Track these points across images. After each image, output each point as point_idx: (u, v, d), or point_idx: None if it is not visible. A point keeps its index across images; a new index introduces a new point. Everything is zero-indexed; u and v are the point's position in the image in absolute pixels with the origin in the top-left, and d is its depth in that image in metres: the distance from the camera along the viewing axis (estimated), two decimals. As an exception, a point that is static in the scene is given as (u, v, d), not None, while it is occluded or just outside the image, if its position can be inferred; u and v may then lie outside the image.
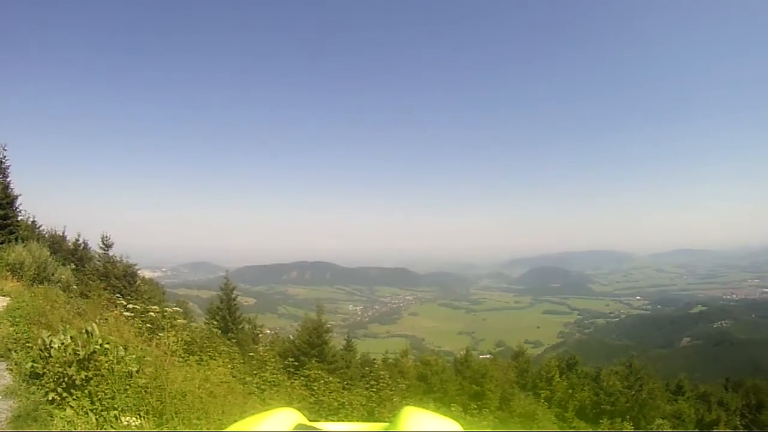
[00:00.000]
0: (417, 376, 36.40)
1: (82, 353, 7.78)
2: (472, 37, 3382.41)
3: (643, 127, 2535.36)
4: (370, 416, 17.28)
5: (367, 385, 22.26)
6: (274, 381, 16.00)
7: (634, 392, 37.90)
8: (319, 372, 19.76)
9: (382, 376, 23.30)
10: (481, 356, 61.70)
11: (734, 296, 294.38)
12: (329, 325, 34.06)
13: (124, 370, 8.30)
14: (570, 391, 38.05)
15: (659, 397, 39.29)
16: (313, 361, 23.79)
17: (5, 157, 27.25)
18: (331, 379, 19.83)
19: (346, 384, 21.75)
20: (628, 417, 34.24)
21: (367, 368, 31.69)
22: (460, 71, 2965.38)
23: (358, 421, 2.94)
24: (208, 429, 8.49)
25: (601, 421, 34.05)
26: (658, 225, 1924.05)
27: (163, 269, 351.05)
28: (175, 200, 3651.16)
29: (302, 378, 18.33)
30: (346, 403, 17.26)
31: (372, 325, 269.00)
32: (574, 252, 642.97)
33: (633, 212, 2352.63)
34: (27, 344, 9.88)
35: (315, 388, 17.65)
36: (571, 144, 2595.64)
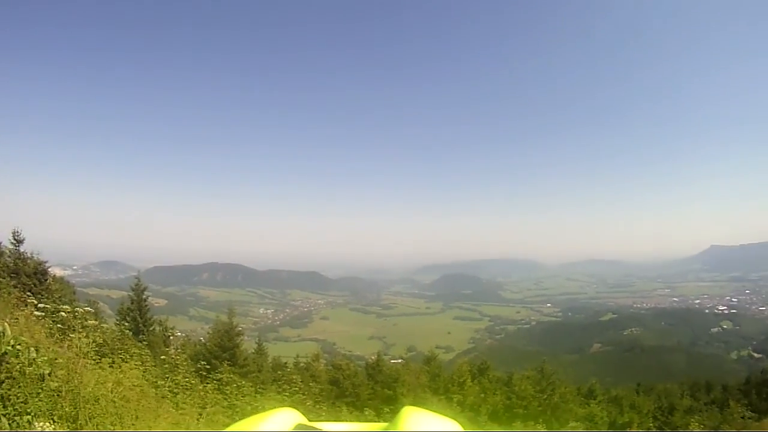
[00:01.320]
0: (329, 380, 36.23)
1: (-7, 355, 7.49)
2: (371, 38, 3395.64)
3: (557, 139, 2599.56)
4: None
5: (280, 389, 22.17)
6: (186, 385, 15.68)
7: (546, 396, 38.50)
8: (231, 376, 19.48)
9: (294, 381, 23.22)
10: (392, 361, 61.74)
11: (644, 305, 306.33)
12: (240, 328, 33.60)
13: (36, 372, 8.00)
14: (482, 395, 38.31)
15: (571, 401, 40.07)
16: (224, 365, 23.34)
17: None
18: (243, 383, 19.61)
19: (259, 388, 21.54)
20: (540, 420, 34.88)
21: (279, 372, 31.52)
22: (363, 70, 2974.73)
23: (357, 421, 2.69)
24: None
25: (513, 424, 34.30)
26: (570, 236, 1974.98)
27: (74, 267, 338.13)
28: (86, 196, 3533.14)
29: (214, 382, 18.05)
30: (259, 408, 17.10)
31: (283, 328, 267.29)
32: (486, 260, 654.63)
33: (545, 222, 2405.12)
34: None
35: (227, 392, 17.42)
36: (484, 153, 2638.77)
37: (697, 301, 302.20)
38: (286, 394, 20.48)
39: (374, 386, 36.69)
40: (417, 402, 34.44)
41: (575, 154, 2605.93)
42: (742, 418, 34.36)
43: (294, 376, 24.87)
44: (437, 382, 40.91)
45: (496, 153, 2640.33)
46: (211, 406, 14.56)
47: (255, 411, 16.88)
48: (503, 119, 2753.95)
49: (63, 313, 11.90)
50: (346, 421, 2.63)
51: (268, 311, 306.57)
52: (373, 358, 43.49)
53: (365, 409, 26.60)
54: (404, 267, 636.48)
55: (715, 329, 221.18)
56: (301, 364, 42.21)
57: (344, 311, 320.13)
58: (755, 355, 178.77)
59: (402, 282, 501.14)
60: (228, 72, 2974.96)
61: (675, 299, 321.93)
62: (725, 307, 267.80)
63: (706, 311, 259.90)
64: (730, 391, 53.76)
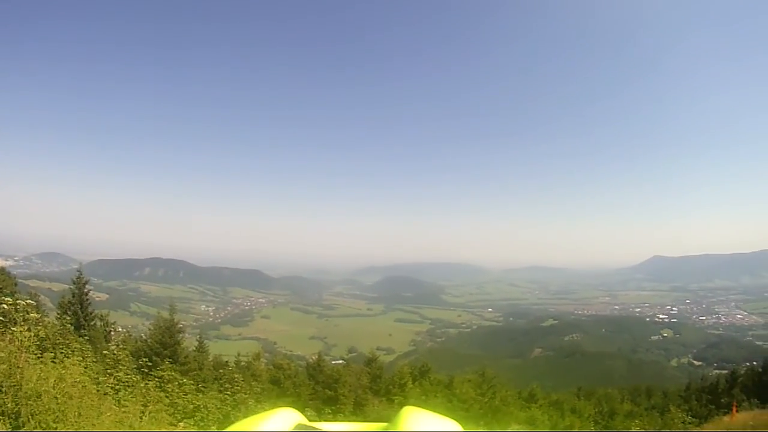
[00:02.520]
0: (270, 379, 36.00)
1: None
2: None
3: (500, 145, 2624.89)
4: (225, 420, 17.00)
5: (221, 388, 21.94)
6: (128, 382, 15.42)
7: (487, 399, 38.75)
8: (173, 374, 19.20)
9: (236, 379, 23.04)
10: (333, 362, 61.76)
11: (585, 312, 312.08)
12: (182, 325, 33.12)
13: (-24, 367, 7.82)
14: (423, 397, 37.61)
15: (512, 404, 40.41)
16: (166, 362, 22.97)
17: None
18: (185, 380, 19.35)
19: (200, 386, 21.29)
20: (482, 423, 34.83)
21: (220, 371, 31.15)
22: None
23: (356, 421, 3.09)
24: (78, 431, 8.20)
25: None
26: (514, 242, 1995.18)
27: (15, 258, 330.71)
28: (29, 185, 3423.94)
29: (156, 379, 17.76)
30: (201, 406, 16.93)
31: (224, 326, 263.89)
32: (428, 263, 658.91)
33: (489, 228, 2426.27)
34: None
35: (169, 390, 17.17)
36: (427, 155, 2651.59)
37: (638, 310, 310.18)
38: (228, 393, 20.18)
39: (315, 386, 36.72)
40: (358, 403, 34.67)
41: (520, 161, 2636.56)
42: (683, 423, 34.95)
43: (236, 375, 24.52)
44: (378, 384, 41.38)
45: (439, 156, 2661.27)
46: (154, 404, 14.33)
47: (197, 410, 16.71)
48: (448, 120, 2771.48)
49: (5, 306, 11.60)
50: (346, 421, 3.12)
51: (210, 309, 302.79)
52: (314, 358, 43.58)
53: (306, 409, 26.40)
54: (346, 268, 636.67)
55: (656, 337, 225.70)
56: (243, 363, 41.81)
57: (285, 311, 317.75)
58: (695, 362, 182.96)
59: (344, 283, 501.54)
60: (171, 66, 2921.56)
61: (616, 307, 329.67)
62: (666, 316, 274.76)
63: (647, 319, 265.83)
64: (670, 396, 55.05)
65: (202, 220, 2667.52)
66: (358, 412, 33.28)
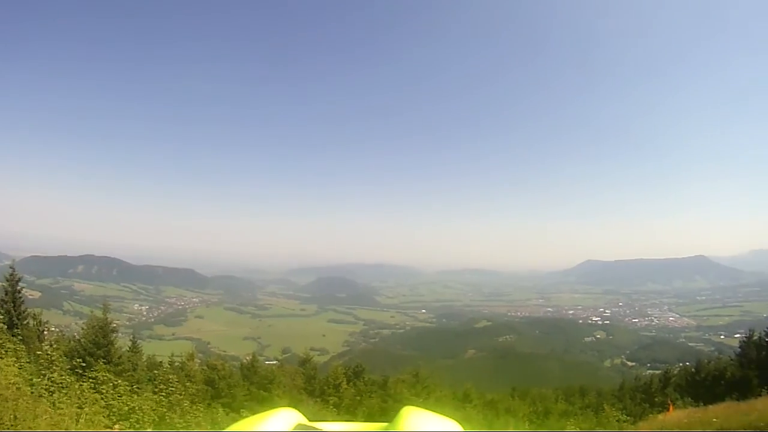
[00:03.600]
0: (204, 380, 35.65)
1: None
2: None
3: (436, 147, 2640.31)
4: (161, 421, 16.98)
5: (156, 389, 21.85)
6: (63, 383, 15.30)
7: (422, 399, 38.76)
8: (107, 375, 19.08)
9: (170, 380, 22.94)
10: (267, 362, 61.22)
11: (519, 314, 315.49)
12: (115, 325, 32.64)
13: None
14: (358, 398, 38.57)
15: (447, 404, 40.63)
16: (100, 363, 22.75)
17: None
18: (119, 382, 19.23)
19: (135, 387, 21.16)
20: (332, 420, 35.24)
21: (154, 371, 30.96)
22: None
23: (356, 420, 2.97)
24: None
25: None
26: (447, 245, 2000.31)
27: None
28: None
29: (90, 381, 17.61)
30: (137, 408, 16.88)
31: (157, 326, 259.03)
32: (362, 264, 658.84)
33: (423, 230, 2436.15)
34: None
35: (104, 391, 17.07)
36: (361, 156, 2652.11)
37: (571, 312, 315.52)
38: (163, 394, 20.13)
39: (250, 387, 36.46)
40: (293, 403, 34.61)
41: (455, 163, 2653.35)
42: (618, 421, 35.61)
43: (170, 376, 24.38)
44: (313, 384, 41.56)
45: (372, 157, 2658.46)
46: (90, 406, 14.26)
47: (132, 412, 16.68)
48: (383, 119, 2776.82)
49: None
50: (347, 420, 3.07)
51: (143, 308, 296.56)
52: (248, 358, 43.16)
53: (241, 410, 26.50)
54: (280, 267, 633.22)
55: (589, 338, 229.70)
56: (176, 364, 41.30)
57: (219, 310, 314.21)
58: (628, 363, 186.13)
59: (278, 282, 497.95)
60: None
61: (549, 309, 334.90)
62: (599, 318, 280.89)
63: (580, 321, 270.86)
64: (604, 396, 55.00)
65: (136, 217, 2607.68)
66: None
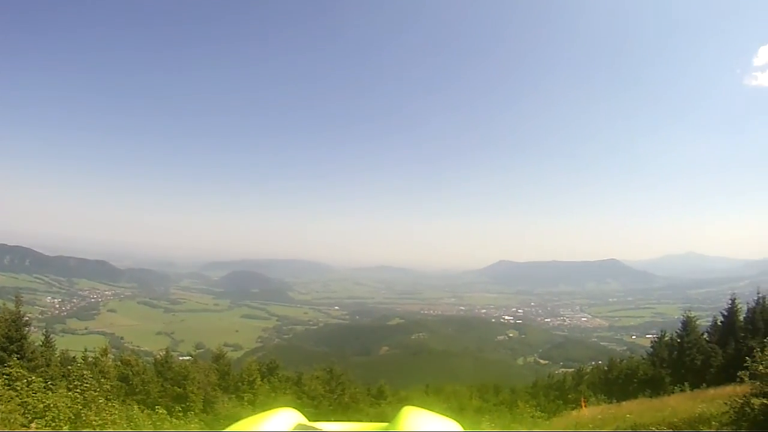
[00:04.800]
0: (118, 376, 35.30)
1: None
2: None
3: (348, 147, 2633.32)
4: (77, 419, 16.99)
5: (71, 386, 21.74)
6: (-24, 380, 15.29)
7: (336, 396, 39.94)
8: (21, 370, 19.01)
9: (84, 376, 22.82)
10: (181, 358, 60.50)
11: (432, 312, 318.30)
12: (27, 318, 32.17)
13: None
14: (273, 394, 38.80)
15: (362, 401, 41.35)
16: (13, 358, 22.51)
17: None
18: (33, 378, 19.12)
19: (49, 384, 21.05)
20: (332, 420, 35.51)
21: (68, 367, 30.52)
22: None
23: (356, 421, 3.11)
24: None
25: None
26: (361, 241, 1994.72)
27: None
28: None
29: (4, 377, 17.58)
30: (52, 405, 16.88)
31: (70, 319, 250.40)
32: (275, 260, 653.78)
33: (336, 226, 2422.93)
34: None
35: (18, 388, 17.04)
36: (275, 154, 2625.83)
37: (484, 311, 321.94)
38: (78, 391, 20.02)
39: (164, 383, 36.34)
40: (208, 401, 34.79)
41: (368, 160, 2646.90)
42: (532, 417, 36.54)
43: (84, 372, 24.20)
44: (227, 380, 41.58)
45: (284, 152, 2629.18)
46: (4, 404, 14.33)
47: (47, 409, 16.72)
48: (289, 111, 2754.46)
49: None
50: (347, 420, 3.17)
51: (55, 300, 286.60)
52: (161, 354, 42.87)
53: (156, 407, 26.40)
54: (194, 261, 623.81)
55: (502, 337, 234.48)
56: (90, 359, 40.79)
57: (132, 304, 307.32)
58: (541, 361, 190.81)
59: (191, 276, 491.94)
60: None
61: (462, 308, 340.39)
62: (511, 317, 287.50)
63: (493, 320, 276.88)
64: (518, 393, 56.75)
65: (49, 206, 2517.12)
66: (209, 410, 33.48)
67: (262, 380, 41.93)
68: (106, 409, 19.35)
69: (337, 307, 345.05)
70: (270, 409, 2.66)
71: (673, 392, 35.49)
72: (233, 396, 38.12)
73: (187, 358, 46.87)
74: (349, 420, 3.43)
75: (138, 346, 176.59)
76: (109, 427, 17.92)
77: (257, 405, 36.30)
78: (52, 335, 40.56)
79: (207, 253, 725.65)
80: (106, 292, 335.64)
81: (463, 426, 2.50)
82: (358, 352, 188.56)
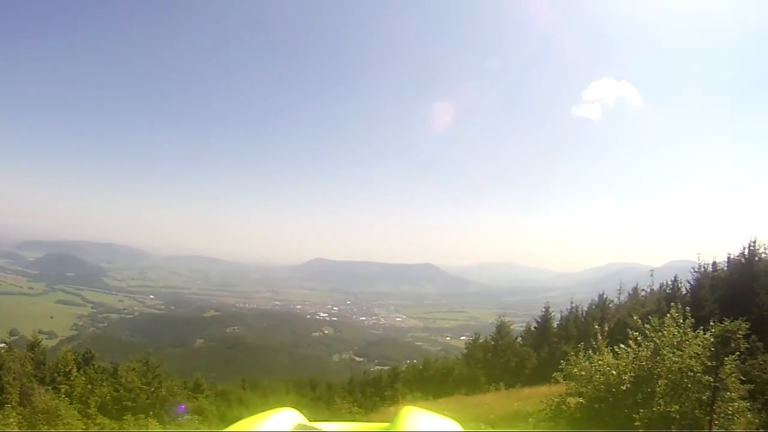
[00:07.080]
0: None
1: None
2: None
3: (173, 131, 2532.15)
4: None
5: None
6: None
7: (153, 389, 40.00)
8: None
9: None
10: (-7, 345, 57.29)
11: (247, 305, 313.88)
12: None
13: None
14: (89, 386, 38.10)
15: (179, 394, 40.99)
16: None
17: None
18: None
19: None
20: (151, 413, 35.92)
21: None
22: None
23: (357, 421, 3.64)
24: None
25: (124, 417, 34.77)
26: (176, 229, 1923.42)
27: None
28: None
29: None
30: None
31: None
32: (92, 242, 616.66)
33: (151, 211, 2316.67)
34: None
35: None
36: (96, 131, 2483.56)
37: (299, 307, 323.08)
38: None
39: (-26, 374, 34.64)
40: (24, 393, 33.96)
41: (185, 145, 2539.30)
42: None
43: None
44: (43, 371, 40.04)
45: (101, 128, 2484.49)
46: None
47: None
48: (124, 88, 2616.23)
49: None
50: (347, 420, 3.27)
51: None
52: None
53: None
54: (9, 239, 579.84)
55: (317, 333, 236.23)
56: None
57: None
58: (356, 358, 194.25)
59: (5, 256, 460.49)
60: None
61: (277, 303, 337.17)
62: (327, 315, 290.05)
63: (308, 316, 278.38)
64: (334, 389, 58.84)
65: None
66: (26, 403, 31.77)
67: (78, 371, 40.74)
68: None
69: (152, 296, 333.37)
70: (269, 409, 2.93)
71: (488, 391, 39.14)
72: (50, 387, 35.92)
73: (2, 345, 45.09)
74: (349, 420, 3.59)
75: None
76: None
77: (74, 398, 35.48)
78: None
79: (24, 231, 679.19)
80: None
81: (463, 426, 2.65)
82: (174, 343, 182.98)
